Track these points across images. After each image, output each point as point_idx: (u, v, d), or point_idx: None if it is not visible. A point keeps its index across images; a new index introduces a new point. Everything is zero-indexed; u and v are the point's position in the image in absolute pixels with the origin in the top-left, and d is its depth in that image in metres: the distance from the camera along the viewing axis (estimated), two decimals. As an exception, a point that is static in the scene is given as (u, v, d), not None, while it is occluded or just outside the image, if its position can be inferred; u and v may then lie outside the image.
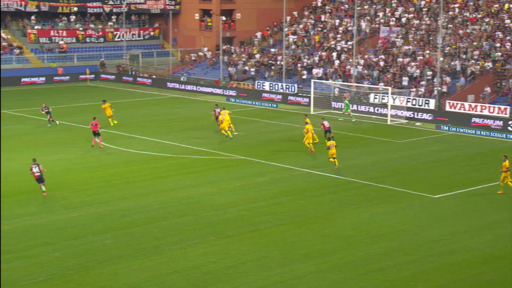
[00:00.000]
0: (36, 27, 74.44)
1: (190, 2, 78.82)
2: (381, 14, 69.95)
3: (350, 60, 62.00)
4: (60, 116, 50.02)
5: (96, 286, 20.69)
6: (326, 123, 41.06)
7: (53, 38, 74.58)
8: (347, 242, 24.59)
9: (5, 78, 67.17)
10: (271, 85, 61.54)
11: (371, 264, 22.59)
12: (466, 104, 50.32)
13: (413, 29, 65.47)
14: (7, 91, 62.89)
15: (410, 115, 51.25)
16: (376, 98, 54.58)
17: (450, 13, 65.52)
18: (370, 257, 23.17)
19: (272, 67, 66.90)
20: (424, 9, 68.12)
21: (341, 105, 54.20)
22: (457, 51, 59.07)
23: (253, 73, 67.18)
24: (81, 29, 76.40)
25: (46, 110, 46.58)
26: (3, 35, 72.94)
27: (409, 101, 52.37)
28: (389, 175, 34.31)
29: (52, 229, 25.48)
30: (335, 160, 35.28)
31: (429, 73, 56.71)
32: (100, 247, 23.76)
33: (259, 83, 62.72)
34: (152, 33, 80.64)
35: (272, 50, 70.76)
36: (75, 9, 75.92)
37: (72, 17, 77.09)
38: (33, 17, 74.51)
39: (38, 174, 29.85)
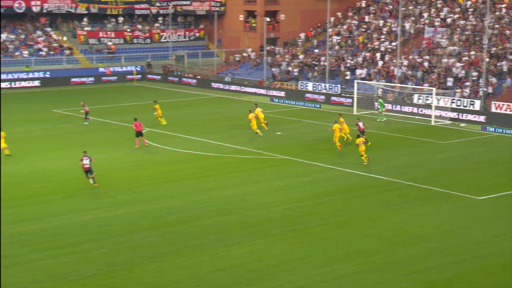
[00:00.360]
0: (85, 28, 75.86)
1: (235, 3, 79.18)
2: (426, 14, 69.07)
3: (394, 61, 61.42)
4: (107, 116, 50.88)
5: (141, 282, 21.00)
6: (361, 124, 40.67)
7: (102, 39, 75.87)
8: (389, 243, 24.42)
9: (55, 78, 68.66)
10: (314, 85, 61.39)
11: (413, 265, 22.40)
12: (512, 105, 49.38)
13: (459, 29, 64.49)
14: (57, 91, 64.21)
15: (454, 116, 50.53)
16: (420, 98, 53.95)
17: (497, 13, 64.30)
18: (412, 258, 22.97)
19: (316, 68, 66.72)
20: (470, 10, 67.01)
21: (384, 105, 53.80)
22: (504, 52, 57.95)
23: (296, 74, 67.12)
24: (128, 30, 77.53)
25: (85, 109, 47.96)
26: (54, 36, 74.54)
27: (453, 102, 51.63)
28: (432, 176, 33.91)
29: (99, 226, 25.94)
30: (364, 157, 35.51)
31: (475, 74, 55.79)
32: (145, 244, 24.08)
33: (302, 84, 62.63)
34: (197, 34, 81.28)
35: (316, 50, 70.59)
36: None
37: (120, 19, 78.30)
38: (85, 19, 75.96)
39: (88, 166, 30.96)
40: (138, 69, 73.71)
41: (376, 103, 52.19)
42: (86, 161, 31.05)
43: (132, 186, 31.66)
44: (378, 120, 49.73)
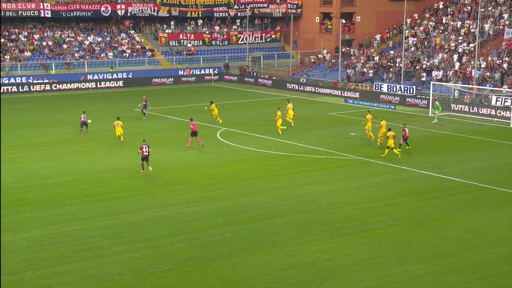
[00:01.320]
0: (166, 31, 77.41)
1: (311, 5, 78.90)
2: (506, 15, 66.73)
3: (472, 62, 59.64)
4: (184, 115, 51.68)
5: (216, 277, 21.20)
6: (407, 131, 39.13)
7: (182, 41, 77.22)
8: (464, 245, 23.72)
9: (138, 78, 70.41)
10: (389, 86, 60.41)
11: (489, 269, 21.67)
12: None
13: (540, 30, 62.00)
14: (139, 91, 65.78)
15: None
16: (498, 100, 52.18)
17: None
18: (488, 261, 22.23)
19: (391, 69, 65.64)
20: (552, 9, 64.34)
21: (461, 107, 52.43)
22: None
23: (371, 75, 66.24)
24: (207, 32, 78.60)
25: (144, 103, 49.61)
26: (137, 38, 76.42)
27: (533, 104, 49.65)
28: (509, 179, 32.70)
29: (176, 222, 26.36)
30: (392, 150, 36.53)
31: (556, 75, 53.53)
32: (220, 240, 24.30)
33: (377, 85, 61.73)
34: (273, 36, 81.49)
35: (391, 52, 69.43)
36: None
37: (200, 21, 79.45)
38: (172, 22, 77.55)
39: (146, 153, 33.27)
40: (216, 71, 74.58)
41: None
42: (145, 149, 33.28)
43: (207, 183, 32.03)
44: (433, 122, 48.64)
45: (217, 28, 79.43)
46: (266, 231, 25.27)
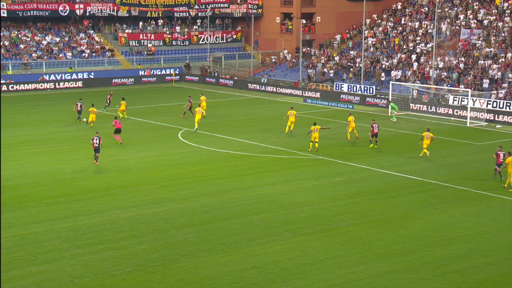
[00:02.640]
0: (126, 31, 76.68)
1: (272, 6, 79.13)
2: (462, 16, 68.01)
3: (429, 63, 60.61)
4: (145, 115, 51.34)
5: (178, 278, 21.08)
6: (376, 127, 39.90)
7: (142, 41, 76.60)
8: (423, 243, 24.07)
9: (97, 79, 69.59)
10: (350, 86, 60.98)
11: (448, 266, 22.03)
12: (549, 107, 48.26)
13: (495, 31, 63.32)
14: (99, 91, 64.99)
15: (490, 117, 49.62)
16: (455, 100, 53.13)
17: (534, 14, 62.97)
18: (446, 258, 22.60)
19: (351, 69, 66.27)
20: (507, 11, 65.77)
21: (419, 106, 53.25)
22: (541, 53, 56.75)
23: (331, 75, 66.77)
24: (168, 32, 78.13)
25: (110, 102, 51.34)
26: (96, 38, 75.54)
27: (489, 104, 50.70)
28: (467, 178, 33.34)
29: (138, 223, 26.13)
30: (315, 144, 38.40)
31: (511, 75, 54.71)
32: (182, 241, 24.19)
33: (337, 85, 62.26)
34: (234, 36, 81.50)
35: (351, 52, 70.11)
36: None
37: (160, 21, 78.93)
38: (141, 23, 76.73)
39: (96, 145, 34.67)
40: (177, 71, 74.18)
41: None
42: (96, 141, 34.64)
43: (169, 184, 31.85)
44: (393, 120, 49.67)
45: (177, 28, 79.03)
46: (228, 231, 25.24)
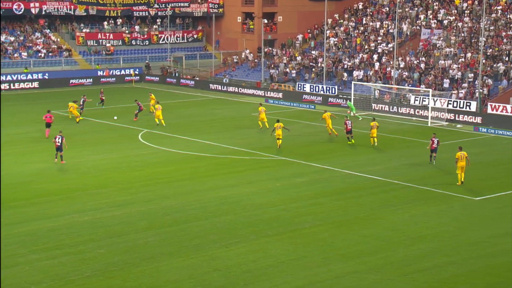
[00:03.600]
0: (84, 30, 75.72)
1: (233, 5, 79.11)
2: (422, 16, 69.04)
3: (391, 63, 61.35)
4: (104, 117, 50.79)
5: (139, 283, 20.87)
6: (349, 124, 41.19)
7: (100, 40, 75.75)
8: (386, 243, 24.32)
9: (54, 79, 68.54)
10: (312, 87, 61.33)
11: (410, 265, 22.30)
12: (509, 107, 49.29)
13: (455, 31, 64.46)
14: (56, 92, 64.05)
15: (451, 117, 50.46)
16: (416, 100, 53.89)
17: (493, 15, 64.29)
18: (409, 258, 22.87)
19: (313, 69, 66.67)
20: (466, 11, 67.01)
21: (381, 106, 53.85)
22: (500, 54, 57.93)
23: (294, 75, 67.07)
24: (127, 32, 77.42)
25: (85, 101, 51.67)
26: (53, 38, 74.41)
27: (450, 103, 51.56)
28: (429, 177, 33.83)
29: (97, 227, 25.81)
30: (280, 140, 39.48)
31: (471, 75, 55.77)
32: (143, 245, 23.98)
33: (299, 85, 62.57)
34: (195, 36, 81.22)
35: (313, 52, 70.54)
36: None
37: (119, 21, 78.17)
38: (105, 23, 75.73)
39: (59, 144, 35.12)
40: (137, 71, 73.57)
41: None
42: (58, 140, 35.12)
43: (129, 186, 31.56)
44: (359, 119, 50.50)
45: (137, 27, 78.39)
46: (190, 234, 25.12)
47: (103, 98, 55.48)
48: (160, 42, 78.76)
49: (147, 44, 78.23)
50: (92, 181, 32.52)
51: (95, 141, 42.02)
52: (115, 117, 49.24)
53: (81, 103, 50.76)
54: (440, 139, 43.60)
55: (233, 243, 24.11)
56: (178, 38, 79.82)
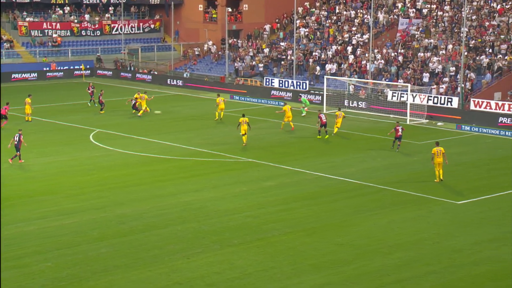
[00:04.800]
0: (27, 19, 74.81)
1: (194, -8, 79.03)
2: (400, 5, 69.89)
3: (366, 55, 61.98)
4: (52, 115, 50.34)
5: (90, 298, 20.81)
6: (323, 117, 42.64)
7: (46, 31, 74.92)
8: (362, 252, 24.60)
9: (-6, 74, 67.63)
10: (281, 81, 61.60)
11: (388, 276, 22.60)
12: (493, 103, 50.21)
13: (435, 21, 65.39)
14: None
15: (431, 114, 51.11)
16: (394, 96, 54.54)
17: (475, 3, 65.39)
18: (386, 268, 23.17)
19: (282, 62, 66.96)
20: (446, 0, 68.02)
21: (356, 103, 54.37)
22: (483, 45, 58.95)
23: (261, 69, 67.27)
24: (76, 21, 76.71)
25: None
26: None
27: (430, 99, 52.29)
28: (408, 180, 34.29)
29: (44, 237, 25.62)
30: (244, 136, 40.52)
31: (452, 69, 56.65)
32: (95, 257, 23.87)
33: (267, 80, 62.77)
34: (152, 26, 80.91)
35: (282, 44, 70.86)
36: None
37: (67, 9, 77.42)
38: (53, 10, 74.90)
39: (16, 143, 35.83)
40: (88, 66, 72.99)
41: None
42: (17, 138, 35.90)
43: (80, 193, 31.37)
44: (302, 115, 51.47)
45: (87, 16, 77.75)
46: (147, 244, 25.08)
47: (93, 92, 54.88)
48: (113, 32, 78.25)
49: (98, 34, 77.64)
50: (39, 186, 32.23)
51: (42, 142, 41.63)
52: (158, 111, 51.11)
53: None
54: (420, 137, 44.36)
55: (195, 254, 24.14)
56: (133, 28, 79.39)
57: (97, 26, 77.67)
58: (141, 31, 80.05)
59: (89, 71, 72.60)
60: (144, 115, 50.51)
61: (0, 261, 21.64)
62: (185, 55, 76.54)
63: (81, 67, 72.01)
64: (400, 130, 39.14)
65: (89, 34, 77.21)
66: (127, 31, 78.63)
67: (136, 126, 47.29)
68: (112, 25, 78.28)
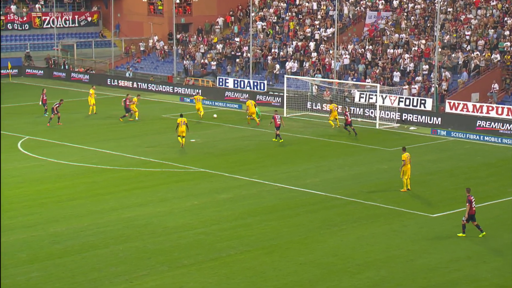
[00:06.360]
0: None
1: (136, -20, 78.76)
2: (367, -4, 70.62)
3: (331, 52, 62.47)
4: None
5: (20, 330, 20.52)
6: (278, 118, 43.86)
7: (-34, 24, 73.90)
8: (327, 271, 24.73)
9: None
10: (236, 82, 61.68)
11: (357, 298, 22.76)
12: (470, 105, 50.93)
13: (406, 14, 66.23)
14: None
15: (403, 117, 51.64)
16: (362, 97, 55.02)
17: (450, -5, 66.39)
18: (355, 290, 23.35)
19: (237, 60, 67.08)
20: (419, -10, 68.97)
21: (320, 105, 54.70)
22: (459, 41, 59.90)
23: (214, 68, 67.30)
24: (0, 13, 75.75)
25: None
26: None
27: (401, 101, 52.86)
28: (378, 190, 34.61)
29: (-35, 260, 25.21)
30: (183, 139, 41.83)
31: (425, 67, 57.40)
32: (24, 282, 23.57)
33: (221, 80, 62.80)
34: (89, 19, 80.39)
35: (237, 39, 71.01)
36: None
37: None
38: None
39: None
40: (15, 65, 72.17)
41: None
42: None
43: (8, 208, 30.93)
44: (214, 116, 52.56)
45: (13, 7, 76.87)
46: (85, 266, 24.87)
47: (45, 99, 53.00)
48: (44, 26, 77.56)
49: (27, 28, 76.89)
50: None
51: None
52: (215, 115, 52.38)
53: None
54: (391, 144, 44.84)
55: (140, 277, 24.00)
56: (67, 22, 78.77)
57: (25, 18, 76.86)
58: (77, 24, 79.45)
59: (16, 70, 71.80)
60: (125, 119, 51.41)
61: (0, 264, 21.09)
62: (127, 52, 76.18)
63: (7, 65, 71.08)
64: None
65: (16, 28, 76.40)
66: (60, 24, 77.96)
67: (71, 132, 46.85)
68: (43, 17, 77.57)
